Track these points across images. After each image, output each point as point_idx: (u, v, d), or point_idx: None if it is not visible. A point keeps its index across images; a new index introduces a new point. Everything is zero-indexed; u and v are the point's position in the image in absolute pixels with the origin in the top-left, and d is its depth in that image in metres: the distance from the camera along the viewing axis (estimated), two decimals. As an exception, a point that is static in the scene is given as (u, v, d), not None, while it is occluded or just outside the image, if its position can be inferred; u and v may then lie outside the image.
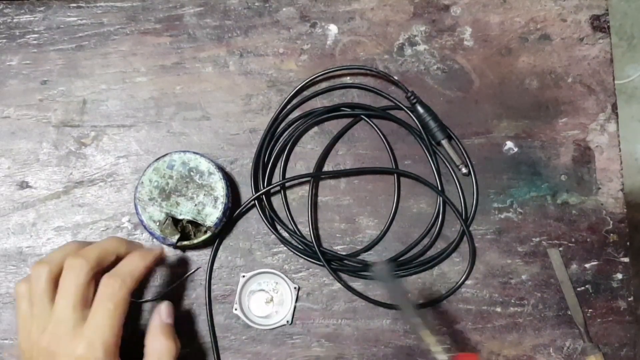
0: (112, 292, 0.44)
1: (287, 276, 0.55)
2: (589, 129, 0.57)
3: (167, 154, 0.53)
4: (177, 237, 0.52)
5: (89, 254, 0.45)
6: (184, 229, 0.53)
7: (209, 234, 0.53)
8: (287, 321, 0.54)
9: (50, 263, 0.45)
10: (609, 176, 0.57)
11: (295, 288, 0.54)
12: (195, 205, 0.52)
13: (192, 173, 0.53)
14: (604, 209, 0.56)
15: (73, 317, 0.43)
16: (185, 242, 0.53)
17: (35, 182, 0.57)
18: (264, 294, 0.54)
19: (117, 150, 0.58)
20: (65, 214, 0.57)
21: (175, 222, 0.52)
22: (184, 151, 0.53)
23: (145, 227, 0.52)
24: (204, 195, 0.53)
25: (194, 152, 0.53)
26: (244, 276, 0.55)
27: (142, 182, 0.53)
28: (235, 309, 0.54)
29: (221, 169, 0.54)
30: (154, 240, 0.55)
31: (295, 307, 0.55)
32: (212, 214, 0.52)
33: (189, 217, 0.52)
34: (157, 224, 0.52)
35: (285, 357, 0.54)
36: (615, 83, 0.58)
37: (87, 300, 0.44)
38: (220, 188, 0.53)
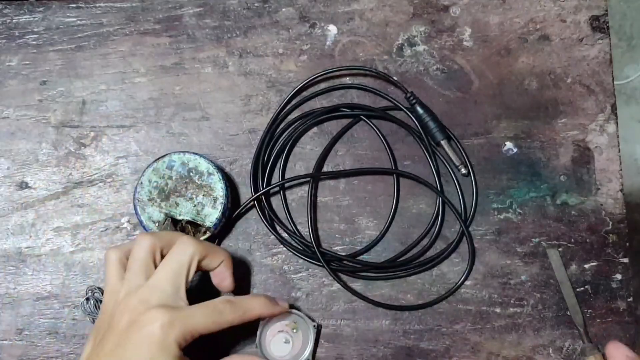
0: (223, 310, 0.45)
1: (305, 313, 0.53)
2: (588, 130, 0.57)
3: (166, 155, 0.53)
4: None
5: (203, 243, 0.47)
6: (184, 230, 0.53)
7: (208, 234, 0.53)
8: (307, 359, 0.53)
9: (157, 236, 0.46)
10: (608, 177, 0.57)
11: (314, 326, 0.53)
12: (195, 205, 0.52)
13: (191, 173, 0.53)
14: (604, 209, 0.56)
15: (168, 289, 0.44)
16: None
17: (34, 183, 0.57)
18: (283, 334, 0.53)
19: (116, 151, 0.58)
20: (65, 214, 0.57)
21: (175, 222, 0.52)
22: (183, 152, 0.53)
23: (144, 228, 0.52)
24: (203, 195, 0.53)
25: (194, 153, 0.53)
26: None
27: (142, 183, 0.53)
28: (256, 347, 0.52)
29: (220, 169, 0.54)
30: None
31: (316, 346, 0.54)
32: (211, 215, 0.52)
33: (188, 217, 0.52)
34: (157, 224, 0.52)
35: None
36: (614, 84, 0.58)
37: (185, 281, 0.45)
38: (219, 188, 0.53)
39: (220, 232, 0.55)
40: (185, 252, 0.46)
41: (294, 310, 0.53)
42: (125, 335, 0.42)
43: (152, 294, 0.43)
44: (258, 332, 0.52)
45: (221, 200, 0.52)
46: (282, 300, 0.51)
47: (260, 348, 0.52)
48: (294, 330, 0.53)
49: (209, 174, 0.53)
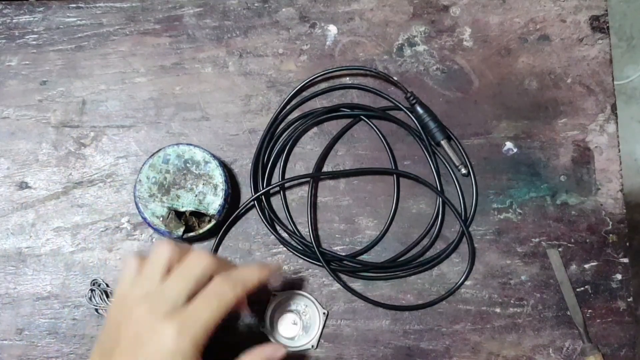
0: (221, 292, 0.44)
1: (315, 298, 0.55)
2: (588, 130, 0.57)
3: (160, 149, 0.53)
4: (182, 229, 0.52)
5: (218, 258, 0.46)
6: (188, 221, 0.53)
7: (213, 222, 0.53)
8: (312, 345, 0.54)
9: (177, 247, 0.45)
10: (608, 177, 0.57)
11: (324, 313, 0.54)
12: (196, 195, 0.52)
13: (188, 164, 0.53)
14: (604, 209, 0.56)
15: (178, 298, 0.43)
16: (192, 234, 0.53)
17: (34, 183, 0.57)
18: (293, 315, 0.54)
19: (116, 151, 0.58)
20: (65, 214, 0.57)
21: (179, 215, 0.52)
22: (177, 144, 0.53)
23: (149, 224, 0.52)
24: (203, 184, 0.52)
25: (187, 144, 0.53)
26: (274, 295, 0.54)
27: (140, 180, 0.53)
28: (262, 327, 0.54)
29: (216, 157, 0.54)
30: (159, 236, 0.55)
31: (322, 333, 0.54)
32: (213, 202, 0.52)
33: (191, 208, 0.52)
34: (161, 219, 0.52)
35: (285, 357, 0.54)
36: (614, 84, 0.58)
37: (195, 293, 0.44)
38: (218, 175, 0.53)
39: (224, 220, 0.55)
40: (198, 265, 0.44)
41: (305, 294, 0.54)
42: (138, 347, 0.41)
43: (160, 303, 0.43)
44: (267, 309, 0.53)
45: (222, 186, 0.52)
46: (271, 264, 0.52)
47: (267, 324, 0.53)
48: (304, 314, 0.54)
49: (206, 162, 0.53)
